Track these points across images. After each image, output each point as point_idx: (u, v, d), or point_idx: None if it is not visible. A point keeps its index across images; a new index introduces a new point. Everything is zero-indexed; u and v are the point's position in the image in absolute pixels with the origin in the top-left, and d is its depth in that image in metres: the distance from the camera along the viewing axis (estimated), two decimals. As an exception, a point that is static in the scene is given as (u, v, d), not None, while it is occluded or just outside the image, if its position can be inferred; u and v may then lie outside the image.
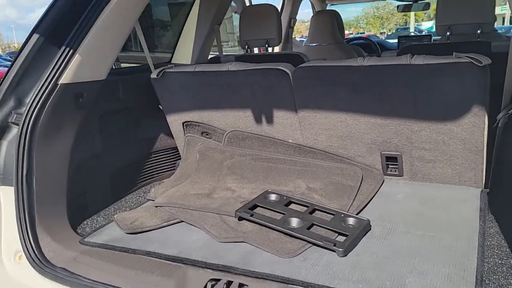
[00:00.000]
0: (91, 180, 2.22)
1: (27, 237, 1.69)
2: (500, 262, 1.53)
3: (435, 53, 1.82)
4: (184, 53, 3.15)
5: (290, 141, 2.22)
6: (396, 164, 2.08)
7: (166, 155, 2.78)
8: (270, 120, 2.21)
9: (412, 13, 33.12)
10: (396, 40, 6.08)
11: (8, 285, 1.71)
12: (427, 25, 30.06)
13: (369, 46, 5.48)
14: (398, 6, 5.84)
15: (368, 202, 1.99)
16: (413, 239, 1.67)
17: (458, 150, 1.87)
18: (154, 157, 2.72)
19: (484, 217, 1.76)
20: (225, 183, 2.29)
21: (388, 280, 1.42)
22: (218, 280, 1.47)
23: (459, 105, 1.76)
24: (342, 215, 1.83)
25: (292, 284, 1.43)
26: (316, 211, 1.90)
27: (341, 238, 1.70)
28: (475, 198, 1.88)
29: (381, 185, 2.08)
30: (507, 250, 1.60)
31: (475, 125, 1.78)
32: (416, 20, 34.00)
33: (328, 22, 3.83)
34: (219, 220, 1.92)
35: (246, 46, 2.89)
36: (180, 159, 2.74)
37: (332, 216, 1.84)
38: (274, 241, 1.71)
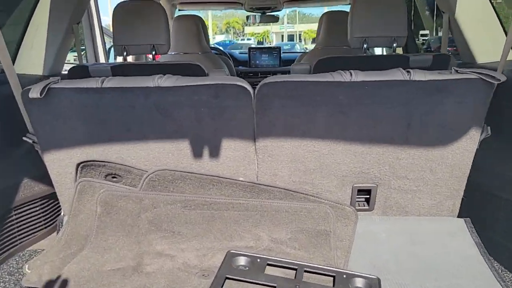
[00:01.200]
0: None
1: None
2: None
3: (356, 67, 1.57)
4: (31, 60, 2.25)
5: (241, 179, 1.69)
6: (368, 197, 1.76)
7: (37, 210, 1.90)
8: (215, 153, 1.65)
9: (210, 27, 35.33)
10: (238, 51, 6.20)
11: None
12: (220, 38, 32.13)
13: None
14: (247, 17, 5.81)
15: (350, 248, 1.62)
16: None
17: (444, 178, 1.65)
18: (18, 213, 1.82)
19: (485, 252, 1.57)
20: (151, 245, 1.61)
21: None
22: None
23: (456, 128, 1.54)
24: (345, 276, 1.40)
25: None
26: (306, 273, 1.43)
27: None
28: (461, 230, 1.69)
29: (356, 224, 1.73)
30: None
31: (467, 149, 1.59)
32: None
33: (192, 28, 3.33)
34: (177, 310, 1.27)
35: (125, 53, 2.19)
36: (60, 214, 1.91)
37: (332, 277, 1.40)
38: (281, 334, 1.17)
